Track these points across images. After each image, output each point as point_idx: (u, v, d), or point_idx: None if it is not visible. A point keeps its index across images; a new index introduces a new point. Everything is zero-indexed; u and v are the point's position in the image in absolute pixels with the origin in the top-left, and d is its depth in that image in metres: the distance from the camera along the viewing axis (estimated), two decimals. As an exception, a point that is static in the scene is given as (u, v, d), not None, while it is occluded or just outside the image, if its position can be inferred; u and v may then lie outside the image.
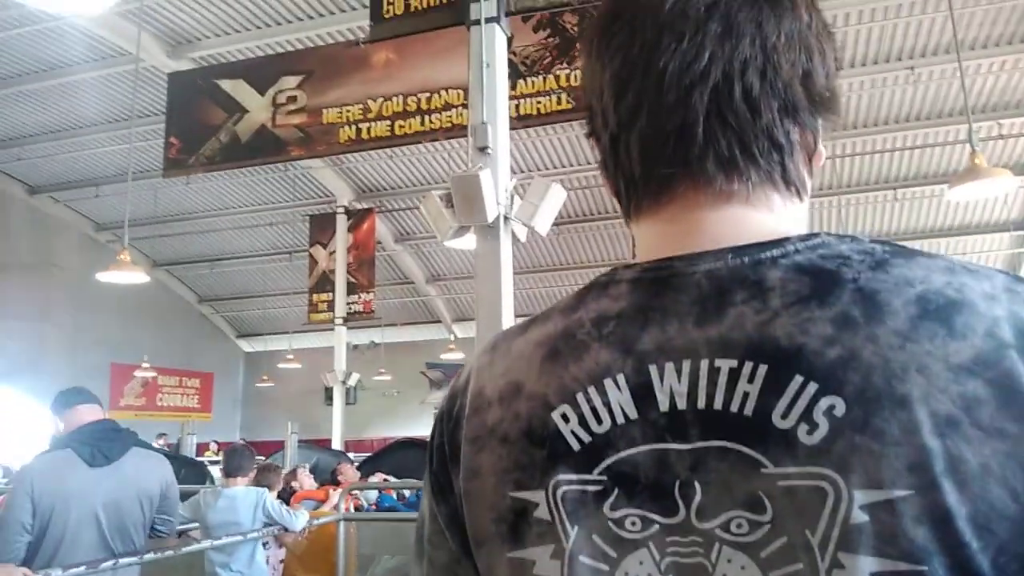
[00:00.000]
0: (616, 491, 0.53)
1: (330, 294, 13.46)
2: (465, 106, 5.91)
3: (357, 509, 6.54)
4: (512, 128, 5.15)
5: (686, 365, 0.52)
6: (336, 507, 5.27)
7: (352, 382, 13.64)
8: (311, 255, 14.00)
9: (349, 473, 6.77)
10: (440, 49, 6.14)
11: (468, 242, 4.86)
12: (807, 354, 0.49)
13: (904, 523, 0.44)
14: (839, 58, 0.62)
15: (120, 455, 2.90)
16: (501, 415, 0.59)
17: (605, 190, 0.67)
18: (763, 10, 0.57)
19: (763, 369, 0.49)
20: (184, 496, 3.86)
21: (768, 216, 0.58)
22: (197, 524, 4.23)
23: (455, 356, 17.14)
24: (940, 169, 12.77)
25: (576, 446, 0.54)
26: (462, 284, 18.25)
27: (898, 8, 9.44)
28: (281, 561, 5.06)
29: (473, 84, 4.77)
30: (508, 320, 4.46)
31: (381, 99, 6.49)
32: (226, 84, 7.06)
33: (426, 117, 6.37)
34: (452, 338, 18.70)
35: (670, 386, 0.52)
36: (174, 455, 9.20)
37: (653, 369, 0.53)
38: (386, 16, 5.22)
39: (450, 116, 6.31)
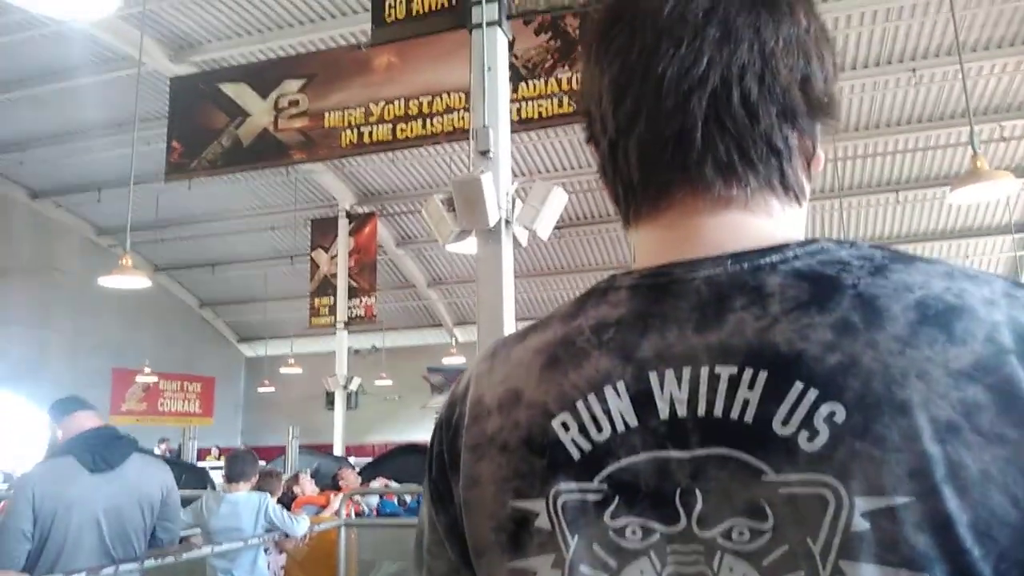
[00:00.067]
0: (617, 500, 0.52)
1: (331, 298, 13.43)
2: (467, 109, 5.91)
3: (358, 515, 6.51)
4: (514, 131, 5.14)
5: (686, 372, 0.52)
6: (337, 512, 5.26)
7: (353, 386, 13.64)
8: (312, 259, 13.98)
9: (350, 478, 6.77)
10: (442, 53, 6.15)
11: (469, 246, 4.85)
12: (807, 360, 0.48)
13: (905, 530, 0.44)
14: (837, 63, 0.61)
15: (122, 461, 2.90)
16: (501, 423, 0.59)
17: (606, 193, 0.67)
18: (761, 15, 0.57)
19: (763, 376, 0.49)
20: (186, 501, 3.85)
21: (767, 221, 0.58)
22: (199, 529, 4.22)
23: (456, 360, 17.10)
24: (942, 172, 12.75)
25: (576, 454, 0.54)
26: (463, 288, 18.25)
27: (900, 10, 9.42)
28: (282, 567, 5.05)
29: (474, 88, 4.76)
30: (509, 324, 4.45)
31: (383, 103, 6.49)
32: (228, 88, 7.06)
33: (428, 121, 6.37)
34: (453, 342, 18.68)
35: (670, 393, 0.52)
36: (175, 460, 9.19)
37: (653, 376, 0.53)
38: (388, 20, 5.21)
39: (452, 120, 6.31)
